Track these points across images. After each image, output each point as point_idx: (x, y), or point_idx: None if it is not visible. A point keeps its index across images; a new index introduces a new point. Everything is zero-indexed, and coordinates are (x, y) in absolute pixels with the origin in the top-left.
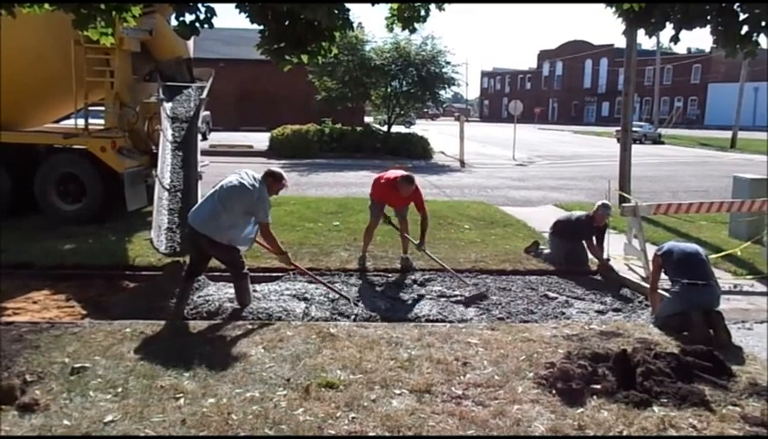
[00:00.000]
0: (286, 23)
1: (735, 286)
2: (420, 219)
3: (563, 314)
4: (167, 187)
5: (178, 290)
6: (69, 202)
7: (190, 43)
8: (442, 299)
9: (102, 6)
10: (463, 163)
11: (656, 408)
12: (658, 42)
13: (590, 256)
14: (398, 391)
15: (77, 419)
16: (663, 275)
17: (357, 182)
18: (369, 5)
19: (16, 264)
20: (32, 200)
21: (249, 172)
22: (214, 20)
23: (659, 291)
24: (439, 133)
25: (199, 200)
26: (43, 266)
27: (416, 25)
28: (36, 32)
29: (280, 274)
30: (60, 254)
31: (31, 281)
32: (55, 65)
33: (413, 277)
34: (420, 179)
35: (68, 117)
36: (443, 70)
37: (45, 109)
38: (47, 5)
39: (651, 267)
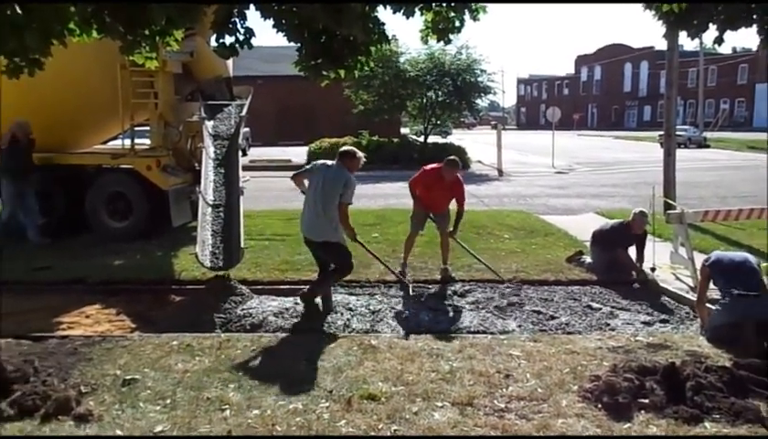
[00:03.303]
0: (323, 40)
1: None
2: (456, 210)
3: (608, 325)
4: (210, 203)
5: (319, 280)
6: (117, 220)
7: (229, 62)
8: (483, 310)
9: (147, 32)
10: (501, 172)
11: (707, 424)
12: (701, 43)
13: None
14: (440, 404)
15: (128, 429)
16: (711, 286)
17: (394, 193)
18: (404, 18)
19: (70, 280)
20: (82, 219)
21: (323, 162)
22: (252, 40)
23: (707, 304)
24: (474, 142)
25: (242, 216)
26: (94, 282)
27: (450, 36)
28: (85, 59)
29: None
30: (110, 270)
31: (84, 296)
32: (103, 89)
33: (453, 288)
34: None
35: (114, 138)
36: (479, 79)
37: (94, 131)
38: (95, 34)
39: (699, 278)
